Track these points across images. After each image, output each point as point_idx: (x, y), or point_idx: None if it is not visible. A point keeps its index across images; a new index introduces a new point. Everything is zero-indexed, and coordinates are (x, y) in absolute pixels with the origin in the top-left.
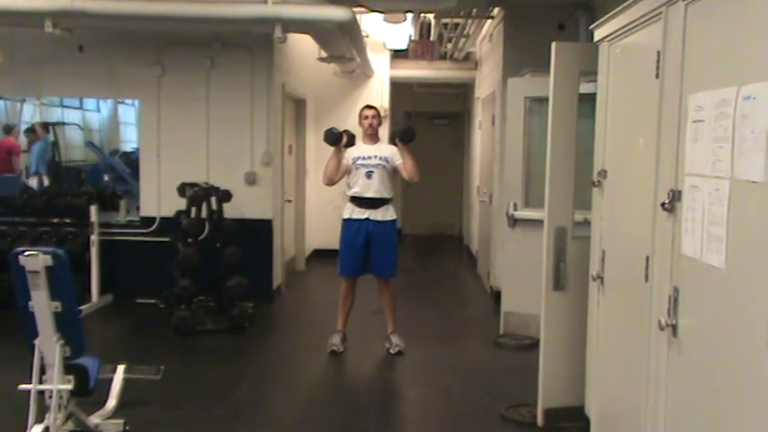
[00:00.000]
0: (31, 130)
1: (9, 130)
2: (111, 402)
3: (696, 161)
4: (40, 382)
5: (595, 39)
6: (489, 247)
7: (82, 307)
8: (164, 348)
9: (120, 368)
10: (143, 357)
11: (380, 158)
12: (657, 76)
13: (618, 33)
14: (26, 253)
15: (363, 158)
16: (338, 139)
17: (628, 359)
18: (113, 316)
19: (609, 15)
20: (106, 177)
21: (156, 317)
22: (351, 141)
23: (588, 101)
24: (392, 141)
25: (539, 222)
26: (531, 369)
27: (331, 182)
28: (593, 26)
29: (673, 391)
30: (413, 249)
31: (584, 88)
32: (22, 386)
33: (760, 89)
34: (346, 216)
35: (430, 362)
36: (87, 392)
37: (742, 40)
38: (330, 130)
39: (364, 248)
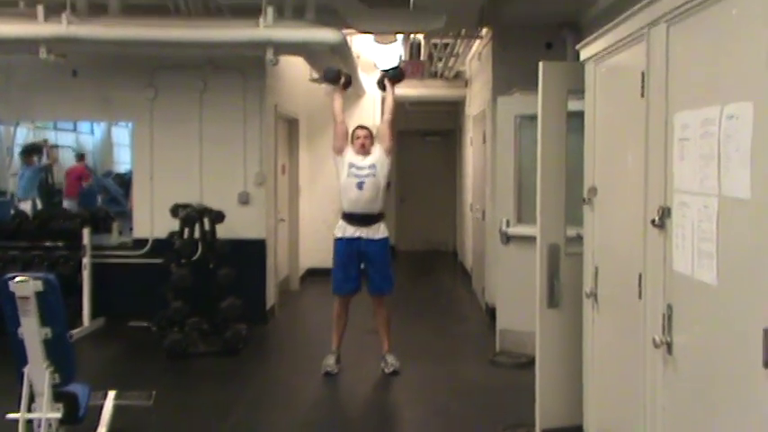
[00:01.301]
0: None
1: (81, 157)
2: (102, 430)
3: (684, 178)
4: (29, 411)
5: (581, 58)
6: (483, 264)
7: (73, 331)
8: (156, 372)
9: (111, 394)
10: (135, 382)
11: (370, 167)
12: (643, 96)
13: (603, 53)
14: (16, 279)
15: (357, 167)
16: (337, 77)
17: (624, 377)
18: (105, 340)
19: (594, 36)
20: (99, 199)
21: (148, 340)
22: (348, 82)
23: (578, 118)
24: (381, 84)
25: (532, 239)
26: (528, 387)
27: (339, 116)
28: (578, 46)
29: (669, 408)
30: (407, 266)
31: (574, 106)
32: (11, 415)
33: (742, 108)
34: (339, 235)
35: (426, 381)
36: (77, 421)
37: (723, 61)
38: (329, 68)
39: (357, 267)
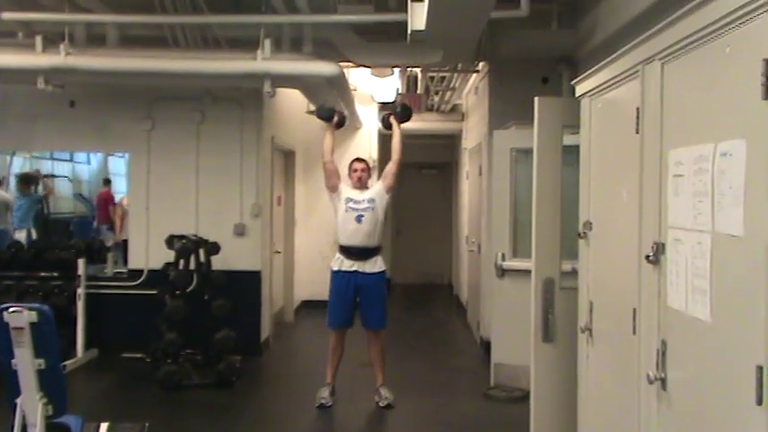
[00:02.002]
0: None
1: (107, 182)
2: None
3: (678, 214)
4: None
5: (577, 94)
6: (479, 297)
7: (67, 362)
8: (149, 404)
9: (104, 426)
10: (128, 413)
11: (369, 201)
12: (638, 132)
13: (598, 89)
14: (10, 309)
15: (354, 201)
16: (331, 115)
17: (619, 412)
18: (99, 371)
19: (589, 72)
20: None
21: (142, 371)
22: (342, 122)
23: (573, 152)
24: (386, 124)
25: (527, 272)
26: (522, 422)
27: (327, 157)
28: (574, 82)
29: None
30: (402, 299)
31: (569, 140)
32: None
33: (735, 146)
34: (335, 268)
35: (420, 415)
36: None
37: (717, 98)
38: (323, 105)
39: (353, 300)
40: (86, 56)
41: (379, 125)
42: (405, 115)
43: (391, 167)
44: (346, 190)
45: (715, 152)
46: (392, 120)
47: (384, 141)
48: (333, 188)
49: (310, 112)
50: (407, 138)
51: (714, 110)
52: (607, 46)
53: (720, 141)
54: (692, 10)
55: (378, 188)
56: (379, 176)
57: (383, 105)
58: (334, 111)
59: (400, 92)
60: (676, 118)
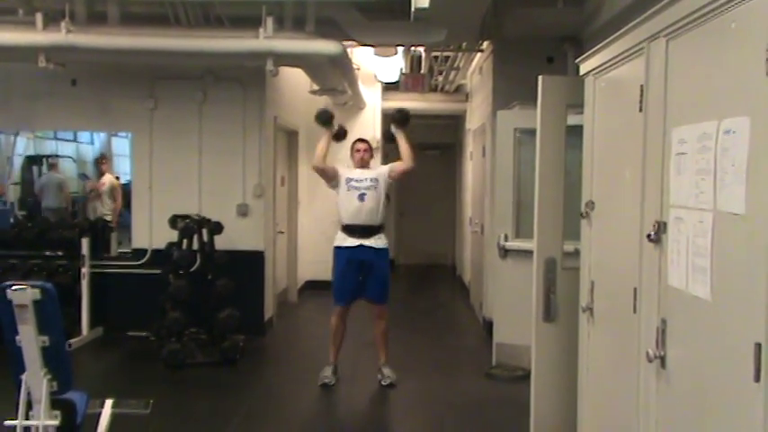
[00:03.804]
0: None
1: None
2: None
3: (680, 193)
4: (27, 418)
5: (581, 72)
6: (481, 278)
7: (72, 340)
8: (154, 382)
9: (109, 402)
10: (132, 391)
11: (372, 180)
12: (641, 110)
13: (603, 67)
14: (14, 287)
15: (356, 180)
16: (329, 120)
17: (618, 391)
18: (103, 349)
19: (593, 50)
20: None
21: (146, 350)
22: (341, 134)
23: (577, 132)
24: (388, 136)
25: (529, 253)
26: (523, 401)
27: (318, 164)
28: (578, 60)
29: (662, 422)
30: (406, 280)
31: (573, 120)
32: (8, 422)
33: (739, 123)
34: (338, 244)
35: (422, 394)
36: (75, 428)
37: (721, 75)
38: (323, 109)
39: (358, 275)
40: (87, 33)
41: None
42: (403, 119)
43: (401, 167)
44: (346, 172)
45: (718, 130)
46: (393, 129)
47: (388, 121)
48: (332, 185)
49: (313, 92)
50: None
51: (718, 87)
52: (613, 24)
53: (724, 119)
54: None
55: (382, 171)
56: (383, 163)
57: (386, 85)
58: (332, 116)
59: (403, 71)
60: (680, 96)
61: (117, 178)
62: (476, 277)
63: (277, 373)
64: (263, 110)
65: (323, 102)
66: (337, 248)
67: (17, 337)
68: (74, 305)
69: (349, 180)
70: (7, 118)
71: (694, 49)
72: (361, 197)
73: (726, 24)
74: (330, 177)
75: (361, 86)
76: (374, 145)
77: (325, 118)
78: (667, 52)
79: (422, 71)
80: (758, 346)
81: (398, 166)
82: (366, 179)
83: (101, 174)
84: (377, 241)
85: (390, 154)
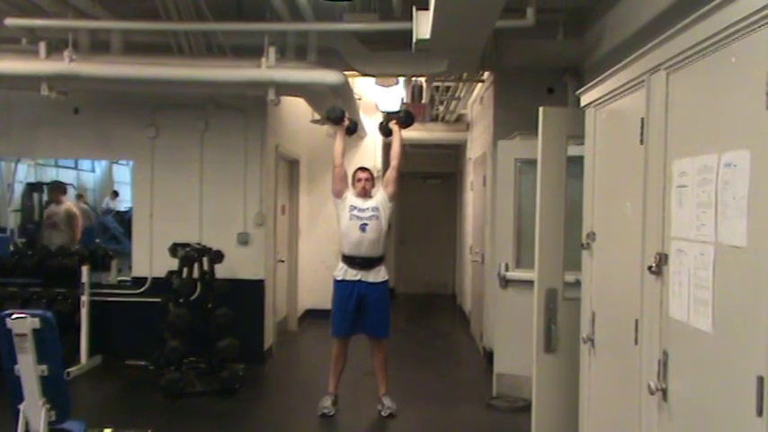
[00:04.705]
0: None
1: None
2: None
3: (681, 225)
4: None
5: (582, 104)
6: (482, 308)
7: (71, 369)
8: (152, 411)
9: None
10: (131, 420)
11: (373, 209)
12: (642, 142)
13: (603, 99)
14: (13, 316)
15: (359, 210)
16: (340, 117)
17: (620, 423)
18: (102, 378)
19: (594, 82)
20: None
21: (145, 378)
22: (353, 128)
23: (578, 163)
24: (385, 129)
25: (530, 283)
26: None
27: (339, 162)
28: (579, 92)
29: None
30: (406, 309)
31: (574, 151)
32: None
33: (740, 156)
34: (339, 277)
35: (422, 424)
36: None
37: (722, 108)
38: (333, 107)
39: (357, 309)
40: (90, 62)
41: (378, 131)
42: (408, 121)
43: (391, 174)
44: (351, 197)
45: (719, 163)
46: (393, 125)
47: (388, 150)
48: (338, 193)
49: (315, 121)
50: (412, 147)
51: (719, 120)
52: (613, 56)
53: (725, 152)
54: (698, 19)
55: (381, 197)
56: (384, 126)
57: (387, 115)
58: (343, 113)
59: (405, 101)
60: (681, 128)
61: (85, 204)
62: (476, 307)
63: (276, 403)
64: (265, 139)
65: (324, 130)
66: (337, 282)
67: (16, 366)
68: (73, 333)
69: (353, 208)
70: (9, 145)
71: (695, 82)
72: (363, 228)
73: (726, 58)
74: (341, 182)
75: (362, 115)
76: (375, 174)
77: (336, 115)
78: (668, 85)
79: (423, 101)
80: (760, 379)
81: (389, 174)
82: (368, 209)
83: (57, 202)
84: (377, 275)
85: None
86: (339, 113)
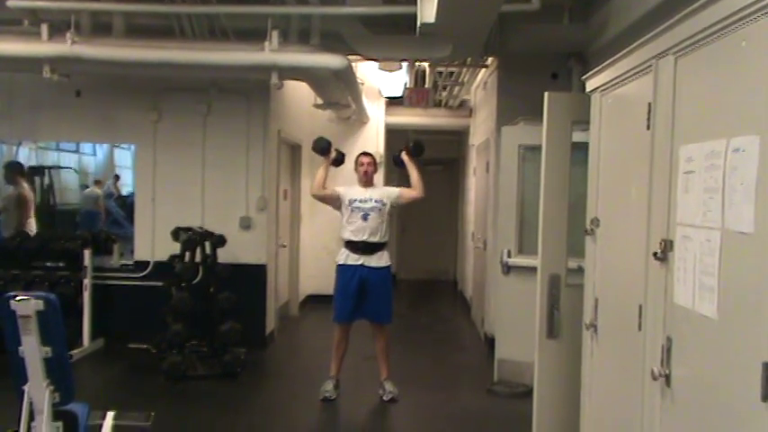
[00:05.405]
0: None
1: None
2: None
3: (687, 212)
4: (29, 429)
5: (587, 89)
6: (483, 294)
7: (73, 351)
8: (155, 394)
9: (110, 415)
10: (134, 403)
11: (376, 201)
12: (648, 128)
13: (609, 84)
14: (17, 298)
15: (360, 201)
16: (327, 149)
17: (622, 409)
18: (105, 361)
19: (600, 67)
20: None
21: (147, 362)
22: (340, 159)
23: (582, 149)
24: (397, 161)
25: (533, 269)
26: (525, 417)
27: (318, 192)
28: (584, 77)
29: None
30: (407, 295)
31: (578, 137)
32: None
33: (748, 142)
34: (341, 261)
35: (423, 409)
36: None
37: (731, 94)
38: (320, 138)
39: (359, 294)
40: (92, 45)
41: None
42: (417, 152)
43: (411, 194)
44: (349, 193)
45: (727, 148)
46: (404, 156)
47: (391, 136)
48: (338, 207)
49: (317, 106)
50: (415, 133)
51: (728, 105)
52: (619, 41)
53: (733, 137)
54: (707, 4)
55: (391, 193)
56: (396, 158)
57: (390, 100)
58: (329, 144)
59: (407, 86)
60: (688, 113)
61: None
62: (477, 293)
63: (278, 387)
64: (267, 123)
65: (326, 115)
66: (339, 266)
67: (20, 348)
68: (75, 317)
69: (353, 201)
70: (10, 128)
71: (704, 67)
72: (365, 217)
73: (736, 42)
74: (332, 201)
75: (364, 101)
76: (378, 159)
77: (322, 146)
78: (676, 70)
79: (426, 86)
80: (765, 365)
81: (408, 192)
82: (371, 200)
83: (15, 184)
84: (379, 260)
85: (391, 173)
86: (325, 144)
